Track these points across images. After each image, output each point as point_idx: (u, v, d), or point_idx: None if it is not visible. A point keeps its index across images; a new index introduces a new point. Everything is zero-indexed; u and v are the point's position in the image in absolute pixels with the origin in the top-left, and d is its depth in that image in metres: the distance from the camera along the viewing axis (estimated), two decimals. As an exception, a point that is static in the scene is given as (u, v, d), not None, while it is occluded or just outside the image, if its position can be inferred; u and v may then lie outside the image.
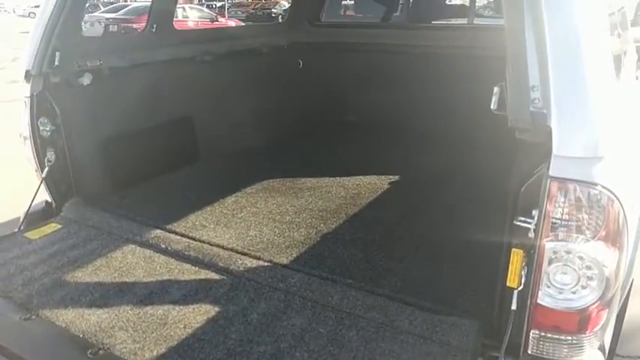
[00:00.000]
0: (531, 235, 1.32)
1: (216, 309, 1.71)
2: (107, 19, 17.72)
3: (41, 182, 2.38)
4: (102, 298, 1.78)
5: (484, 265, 1.67)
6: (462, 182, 2.77)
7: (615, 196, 1.24)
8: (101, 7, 24.11)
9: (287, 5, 17.88)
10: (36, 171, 2.41)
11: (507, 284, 1.40)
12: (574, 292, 1.31)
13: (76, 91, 2.45)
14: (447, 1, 4.87)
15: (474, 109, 3.04)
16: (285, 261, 2.00)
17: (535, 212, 1.30)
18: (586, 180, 1.23)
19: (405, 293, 1.77)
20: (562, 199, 1.27)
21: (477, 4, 4.43)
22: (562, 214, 1.28)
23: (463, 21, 4.00)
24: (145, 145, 2.77)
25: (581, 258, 1.28)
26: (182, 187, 2.76)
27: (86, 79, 2.47)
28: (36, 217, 2.38)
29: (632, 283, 1.68)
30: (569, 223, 1.28)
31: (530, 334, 1.38)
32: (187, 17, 17.82)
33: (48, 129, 2.34)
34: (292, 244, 2.15)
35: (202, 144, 3.17)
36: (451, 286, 1.83)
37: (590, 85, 1.22)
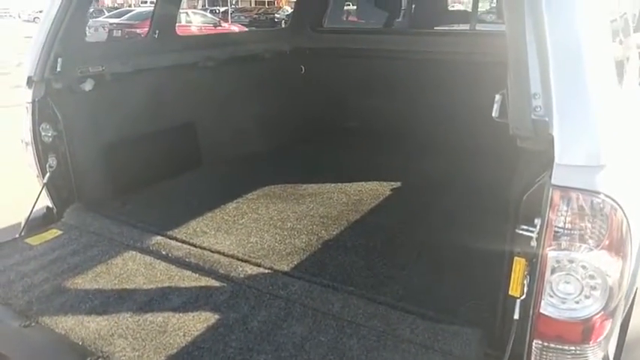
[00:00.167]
0: (534, 243, 1.31)
1: (217, 316, 1.70)
2: (111, 24, 17.83)
3: (42, 188, 2.38)
4: (102, 305, 1.77)
5: (486, 273, 1.65)
6: (463, 189, 2.76)
7: (618, 204, 1.22)
8: (105, 12, 24.27)
9: (290, 10, 17.94)
10: (37, 176, 2.41)
11: (510, 293, 1.39)
12: (577, 302, 1.29)
13: (78, 97, 2.45)
14: (449, 7, 4.86)
15: (475, 115, 3.03)
16: (286, 268, 1.99)
17: (537, 221, 1.29)
18: (589, 188, 1.22)
19: (407, 301, 1.76)
20: (565, 208, 1.25)
21: (478, 9, 4.43)
22: (565, 223, 1.26)
23: (465, 27, 4.00)
24: (147, 151, 2.77)
25: (584, 267, 1.26)
26: (183, 193, 2.76)
27: (88, 85, 2.48)
28: (37, 223, 2.38)
29: (635, 292, 1.66)
30: (572, 231, 1.27)
31: (533, 344, 1.36)
32: (191, 22, 17.90)
33: (50, 135, 2.34)
34: (293, 251, 2.14)
35: (204, 149, 3.17)
36: (453, 294, 1.82)
37: (592, 92, 1.21)
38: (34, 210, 2.41)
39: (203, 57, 3.17)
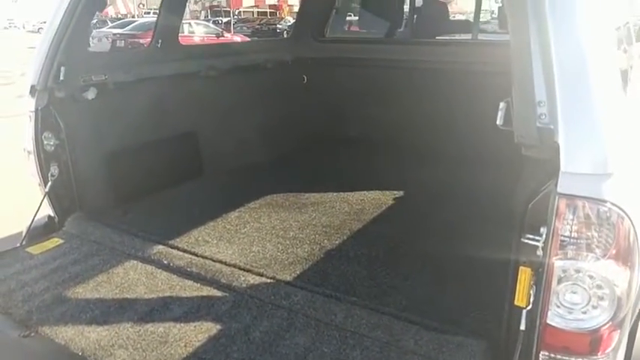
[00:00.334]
0: (539, 252, 1.29)
1: (218, 327, 1.68)
2: (114, 34, 17.96)
3: (44, 197, 2.38)
4: (102, 314, 1.76)
5: (490, 283, 1.64)
6: (466, 199, 2.75)
7: (625, 213, 1.21)
8: (109, 22, 24.47)
9: (292, 21, 18.08)
10: (39, 185, 2.40)
11: (515, 303, 1.37)
12: (584, 312, 1.27)
13: (81, 106, 2.45)
14: (450, 17, 4.87)
15: (478, 125, 3.02)
16: (288, 278, 1.97)
17: (543, 230, 1.28)
18: (595, 197, 1.20)
19: (410, 312, 1.74)
20: (571, 217, 1.24)
21: (479, 19, 4.43)
22: (571, 232, 1.25)
23: (467, 37, 4.00)
24: (149, 160, 2.77)
25: (591, 277, 1.25)
26: (185, 202, 2.75)
27: (91, 94, 2.48)
28: (38, 232, 2.37)
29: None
30: (579, 240, 1.25)
31: (540, 355, 1.34)
32: (193, 32, 18.03)
33: (52, 143, 2.34)
34: (295, 261, 2.12)
35: (206, 159, 3.17)
36: (457, 304, 1.80)
37: (597, 100, 1.20)
38: (36, 219, 2.40)
39: (205, 66, 3.18)
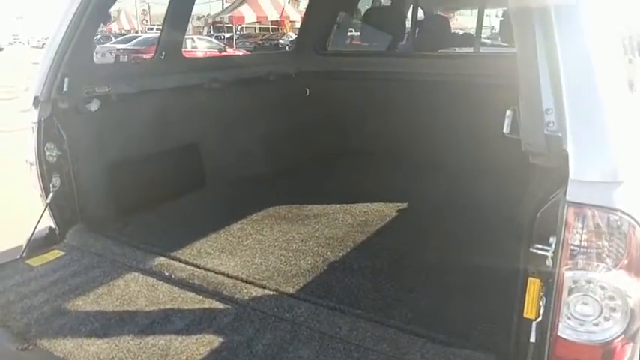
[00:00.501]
0: (549, 263, 1.27)
1: (220, 339, 1.65)
2: (118, 49, 18.14)
3: (45, 208, 2.36)
4: (102, 327, 1.73)
5: (497, 294, 1.61)
6: (471, 210, 2.72)
7: (637, 222, 1.18)
8: (112, 38, 24.73)
9: (294, 36, 18.24)
10: (41, 196, 2.39)
11: (524, 315, 1.34)
12: (596, 324, 1.24)
13: (84, 117, 2.45)
14: (451, 31, 4.90)
15: (482, 136, 3.02)
16: (291, 290, 1.94)
17: (552, 239, 1.25)
18: (605, 205, 1.18)
19: (416, 324, 1.71)
20: (580, 226, 1.22)
21: (481, 32, 4.46)
22: (580, 241, 1.23)
23: (469, 49, 4.02)
24: (151, 172, 2.75)
25: (602, 287, 1.22)
26: (187, 214, 2.73)
27: (94, 105, 2.48)
28: (39, 244, 2.35)
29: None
30: (589, 250, 1.23)
31: (551, 368, 1.31)
32: (196, 48, 18.18)
33: (54, 154, 2.33)
34: (299, 273, 2.09)
35: (208, 171, 3.16)
36: (463, 316, 1.76)
37: (606, 107, 1.18)
38: (37, 230, 2.38)
39: (209, 79, 3.18)
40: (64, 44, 2.28)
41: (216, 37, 26.52)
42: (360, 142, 3.89)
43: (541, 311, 1.30)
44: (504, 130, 1.33)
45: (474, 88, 3.27)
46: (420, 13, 4.60)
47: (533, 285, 1.32)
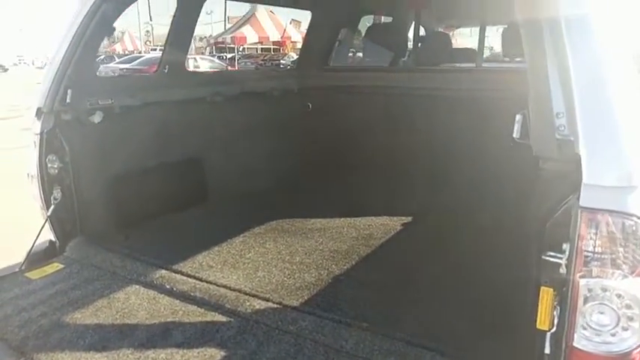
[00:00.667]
0: (563, 270, 1.23)
1: (223, 353, 1.60)
2: (121, 69, 18.31)
3: (46, 221, 2.33)
4: (101, 340, 1.68)
5: (505, 306, 1.57)
6: (475, 222, 2.69)
7: (653, 227, 1.15)
8: (116, 58, 25.00)
9: (295, 57, 18.42)
10: (42, 209, 2.36)
11: (537, 326, 1.29)
12: (613, 335, 1.20)
13: (86, 129, 2.44)
14: (452, 46, 4.93)
15: (484, 149, 3.01)
16: (295, 303, 1.89)
17: (566, 246, 1.22)
18: (620, 210, 1.15)
19: (424, 337, 1.66)
20: (594, 231, 1.18)
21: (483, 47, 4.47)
22: (594, 248, 1.19)
23: (471, 64, 4.03)
24: (153, 185, 2.73)
25: (619, 296, 1.18)
26: (189, 227, 2.70)
27: (97, 117, 2.47)
28: (38, 257, 2.32)
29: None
30: (603, 257, 1.19)
31: (567, 381, 1.26)
32: (198, 67, 18.37)
33: (56, 166, 2.31)
34: (303, 286, 2.05)
35: (211, 184, 3.13)
36: (472, 329, 1.72)
37: (618, 110, 1.16)
38: (37, 244, 2.35)
39: (211, 92, 3.18)
40: (68, 56, 2.28)
41: (219, 57, 26.81)
42: (362, 156, 3.88)
43: (555, 321, 1.26)
44: (514, 135, 1.30)
45: (476, 102, 3.26)
46: (422, 30, 4.63)
47: (547, 294, 1.28)
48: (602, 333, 1.21)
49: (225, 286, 2.01)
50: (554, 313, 1.26)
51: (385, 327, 1.73)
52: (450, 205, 2.99)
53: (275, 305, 1.86)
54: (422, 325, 1.76)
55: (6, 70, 46.44)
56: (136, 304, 1.90)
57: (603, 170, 1.15)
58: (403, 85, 3.70)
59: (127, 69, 18.14)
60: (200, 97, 3.12)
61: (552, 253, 1.25)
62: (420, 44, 4.32)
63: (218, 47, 32.44)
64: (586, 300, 1.21)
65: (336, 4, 3.82)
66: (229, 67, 21.42)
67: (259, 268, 2.22)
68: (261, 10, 27.28)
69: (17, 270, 2.22)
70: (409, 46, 4.47)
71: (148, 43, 38.50)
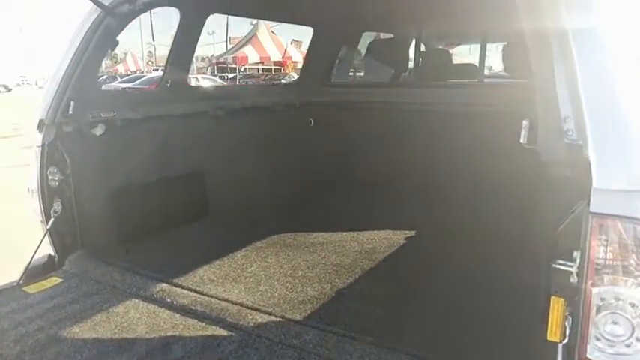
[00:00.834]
0: (574, 279, 1.20)
1: None
2: (123, 88, 18.45)
3: (45, 234, 2.30)
4: (99, 355, 1.64)
5: (511, 318, 1.54)
6: (478, 236, 2.66)
7: (666, 233, 1.12)
8: (119, 78, 25.23)
9: (296, 77, 18.60)
10: (41, 222, 2.33)
11: (548, 338, 1.25)
12: (628, 345, 1.16)
13: (88, 142, 2.43)
14: (453, 62, 4.95)
15: (486, 163, 2.99)
16: (298, 317, 1.85)
17: (576, 254, 1.19)
18: (632, 216, 1.12)
19: (430, 351, 1.62)
20: (606, 238, 1.15)
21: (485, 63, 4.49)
22: (606, 255, 1.16)
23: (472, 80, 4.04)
24: (154, 198, 2.71)
25: (633, 305, 1.14)
26: (190, 240, 2.67)
27: (99, 130, 2.46)
28: (37, 271, 2.28)
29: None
30: (615, 264, 1.16)
31: (580, 395, 1.21)
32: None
33: (57, 179, 2.30)
34: (306, 300, 2.01)
35: (212, 198, 3.11)
36: (477, 341, 1.68)
37: (627, 112, 1.14)
38: (35, 258, 2.32)
39: (213, 106, 3.18)
40: (71, 68, 2.28)
41: (220, 77, 27.05)
42: (364, 171, 3.86)
43: (567, 332, 1.22)
44: (521, 141, 1.28)
45: (477, 117, 3.26)
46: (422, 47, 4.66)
47: (557, 304, 1.25)
48: (616, 344, 1.17)
49: (226, 300, 1.97)
50: (566, 323, 1.23)
51: (390, 340, 1.69)
52: (453, 219, 2.96)
53: (277, 319, 1.82)
54: (426, 338, 1.72)
55: (9, 90, 46.86)
56: (136, 317, 1.86)
57: (614, 174, 1.13)
58: (404, 101, 3.70)
59: (129, 88, 18.30)
60: (202, 111, 3.11)
61: (562, 262, 1.22)
62: (420, 60, 4.35)
63: (219, 67, 32.75)
64: (598, 309, 1.17)
65: (338, 20, 3.85)
66: (230, 87, 21.60)
67: (261, 281, 2.19)
68: (263, 31, 27.61)
69: (15, 284, 2.18)
70: (410, 63, 4.50)
71: (150, 63, 38.88)
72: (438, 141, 3.47)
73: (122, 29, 2.48)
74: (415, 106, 3.62)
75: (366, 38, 4.85)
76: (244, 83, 27.42)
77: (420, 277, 2.24)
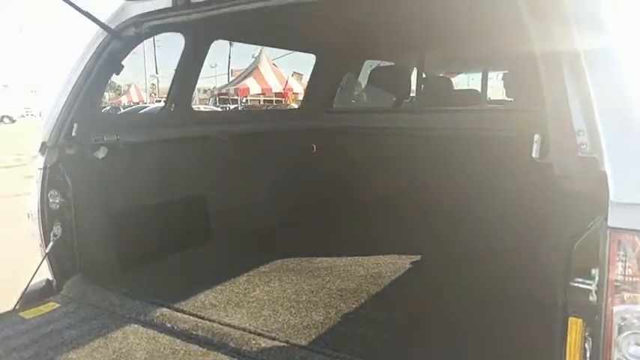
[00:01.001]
0: (593, 298, 1.15)
1: None
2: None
3: (44, 258, 2.25)
4: None
5: (522, 343, 1.47)
6: (485, 260, 2.61)
7: (687, 248, 1.08)
8: (122, 109, 25.52)
9: (297, 107, 18.79)
10: (40, 246, 2.29)
11: None
12: None
13: (90, 165, 2.41)
14: (454, 87, 5.01)
15: (492, 187, 2.97)
16: (303, 342, 1.79)
17: (595, 271, 1.14)
18: (652, 230, 1.09)
19: None
20: (624, 254, 1.11)
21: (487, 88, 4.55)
22: (626, 271, 1.12)
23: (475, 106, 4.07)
24: (156, 222, 2.67)
25: (657, 324, 1.09)
26: (191, 265, 2.62)
27: (101, 153, 2.44)
28: (34, 296, 2.22)
29: None
30: (635, 280, 1.11)
31: (604, 422, 1.14)
32: (202, 117, 18.67)
33: (57, 202, 2.27)
34: (310, 325, 1.95)
35: (214, 223, 3.07)
36: None
37: (643, 124, 1.12)
38: (33, 283, 2.26)
39: (216, 131, 3.18)
40: (75, 91, 2.28)
41: (222, 108, 27.34)
42: (368, 196, 3.82)
43: (587, 355, 1.16)
44: (533, 155, 1.26)
45: (482, 141, 3.25)
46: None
47: (576, 325, 1.19)
48: (641, 367, 1.11)
49: (228, 325, 1.91)
50: (586, 345, 1.17)
51: None
52: (458, 243, 2.91)
53: (282, 344, 1.76)
54: None
55: (14, 121, 47.34)
56: (135, 343, 1.80)
57: (632, 187, 1.10)
58: (407, 126, 3.71)
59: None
60: (205, 135, 3.11)
61: (580, 280, 1.18)
62: (422, 86, 4.39)
63: (221, 99, 33.17)
64: (620, 330, 1.12)
65: (340, 48, 3.90)
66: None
67: (264, 306, 2.12)
68: (264, 63, 28.12)
69: (11, 310, 2.12)
70: (412, 90, 4.54)
71: (153, 95, 39.42)
72: (440, 165, 3.46)
73: (127, 53, 2.50)
74: (417, 131, 3.62)
75: (368, 67, 4.92)
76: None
77: (426, 302, 2.18)
